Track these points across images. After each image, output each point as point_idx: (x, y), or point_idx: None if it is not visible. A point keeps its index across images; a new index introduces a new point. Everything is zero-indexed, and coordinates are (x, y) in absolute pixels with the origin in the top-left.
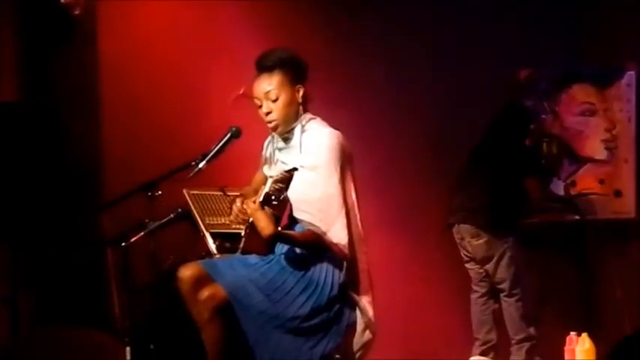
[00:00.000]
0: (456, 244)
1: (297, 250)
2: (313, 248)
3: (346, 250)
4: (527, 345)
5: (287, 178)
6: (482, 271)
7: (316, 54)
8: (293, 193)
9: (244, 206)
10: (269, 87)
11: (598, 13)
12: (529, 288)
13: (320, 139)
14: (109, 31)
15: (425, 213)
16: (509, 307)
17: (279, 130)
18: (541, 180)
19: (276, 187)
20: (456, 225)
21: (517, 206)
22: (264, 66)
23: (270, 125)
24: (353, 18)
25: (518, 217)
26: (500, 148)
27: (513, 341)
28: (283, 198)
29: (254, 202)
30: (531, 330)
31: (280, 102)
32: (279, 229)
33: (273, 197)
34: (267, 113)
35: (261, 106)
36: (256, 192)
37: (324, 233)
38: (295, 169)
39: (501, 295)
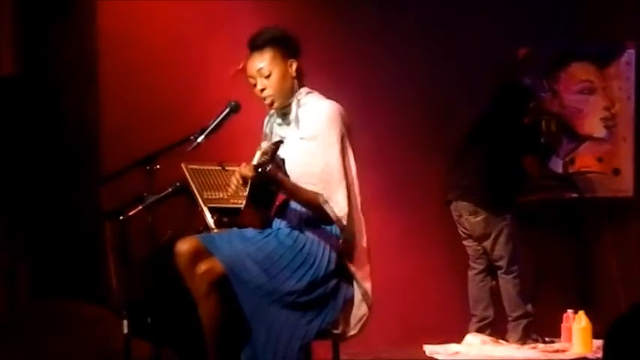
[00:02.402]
0: (453, 221)
1: (295, 225)
2: (309, 206)
3: (345, 221)
4: (524, 322)
5: (272, 149)
6: (479, 248)
7: (315, 29)
8: (294, 165)
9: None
10: (260, 64)
11: None
12: (526, 265)
13: (319, 110)
14: (108, 5)
15: (423, 188)
16: (507, 284)
17: (276, 104)
18: (540, 158)
19: (263, 159)
20: (454, 202)
21: (515, 184)
22: (254, 45)
23: (266, 102)
24: None
25: (516, 194)
26: (500, 125)
27: (510, 318)
28: (270, 169)
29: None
30: (528, 307)
31: (273, 77)
32: (277, 204)
33: (260, 169)
34: (262, 90)
35: (255, 85)
36: None
37: (325, 202)
38: (281, 141)
39: (499, 272)
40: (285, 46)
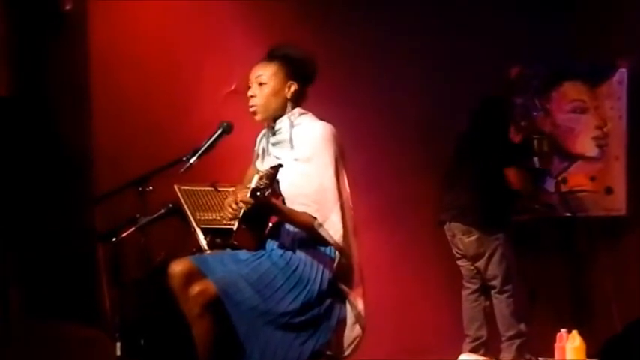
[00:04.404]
0: (447, 240)
1: (288, 246)
2: (304, 228)
3: (341, 243)
4: (517, 342)
5: (271, 174)
6: (473, 267)
7: (308, 49)
8: (289, 186)
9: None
10: (261, 72)
11: (589, 10)
12: (520, 285)
13: (313, 131)
14: (100, 26)
15: (416, 209)
16: (500, 303)
17: (258, 117)
18: (522, 171)
19: (261, 183)
20: (448, 222)
21: (507, 202)
22: (268, 54)
23: (250, 110)
24: (345, 14)
25: (509, 213)
26: (482, 143)
27: (504, 338)
28: (268, 194)
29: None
30: (522, 326)
31: (266, 89)
32: (270, 225)
33: (259, 193)
34: (251, 96)
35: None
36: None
37: (320, 225)
38: (280, 165)
39: (492, 291)
40: (293, 66)
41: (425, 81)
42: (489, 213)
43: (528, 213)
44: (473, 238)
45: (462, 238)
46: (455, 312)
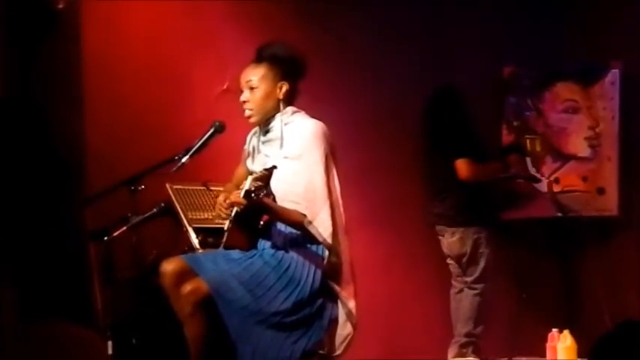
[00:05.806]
0: (437, 240)
1: (279, 246)
2: (294, 225)
3: (330, 240)
4: (463, 340)
5: (266, 176)
6: (459, 266)
7: (301, 49)
8: (279, 184)
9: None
10: (251, 76)
11: (583, 11)
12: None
13: (304, 128)
14: (93, 26)
15: (408, 209)
16: (465, 299)
17: (253, 120)
18: (469, 160)
19: (256, 185)
20: (436, 225)
21: (482, 195)
22: (256, 55)
23: (246, 115)
24: (338, 13)
25: (489, 206)
26: (439, 137)
27: (455, 335)
28: (263, 195)
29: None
30: (477, 329)
31: (257, 93)
32: (262, 223)
33: (253, 195)
34: (244, 102)
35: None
36: (237, 188)
37: (310, 222)
38: (274, 167)
39: (464, 286)
40: (283, 66)
41: (418, 80)
42: (467, 209)
43: (519, 211)
44: (456, 238)
45: (447, 238)
46: (446, 312)
